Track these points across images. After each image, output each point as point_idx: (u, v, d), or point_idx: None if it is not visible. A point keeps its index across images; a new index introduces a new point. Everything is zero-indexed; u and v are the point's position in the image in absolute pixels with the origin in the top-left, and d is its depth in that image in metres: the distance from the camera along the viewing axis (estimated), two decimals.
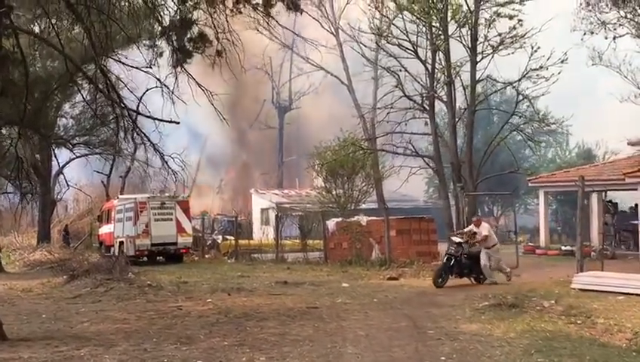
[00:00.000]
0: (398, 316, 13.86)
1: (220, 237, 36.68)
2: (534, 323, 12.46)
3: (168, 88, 15.06)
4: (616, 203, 31.09)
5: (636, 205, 28.49)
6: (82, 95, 17.56)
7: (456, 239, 18.77)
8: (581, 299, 15.32)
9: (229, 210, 51.97)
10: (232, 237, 34.54)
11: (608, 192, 27.79)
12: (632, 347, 10.45)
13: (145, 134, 15.33)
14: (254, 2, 12.86)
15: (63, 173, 39.07)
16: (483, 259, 18.59)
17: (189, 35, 13.49)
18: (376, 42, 30.46)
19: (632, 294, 15.70)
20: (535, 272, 22.32)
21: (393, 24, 26.93)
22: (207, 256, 33.18)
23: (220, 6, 12.83)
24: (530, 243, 32.05)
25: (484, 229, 18.93)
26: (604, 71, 26.00)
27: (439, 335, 11.58)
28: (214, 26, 12.91)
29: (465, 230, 19.31)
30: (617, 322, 12.42)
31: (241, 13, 13.03)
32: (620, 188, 27.33)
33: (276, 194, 49.42)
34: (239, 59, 13.59)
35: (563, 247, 29.87)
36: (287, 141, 64.68)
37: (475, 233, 18.75)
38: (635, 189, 26.59)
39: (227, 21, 12.75)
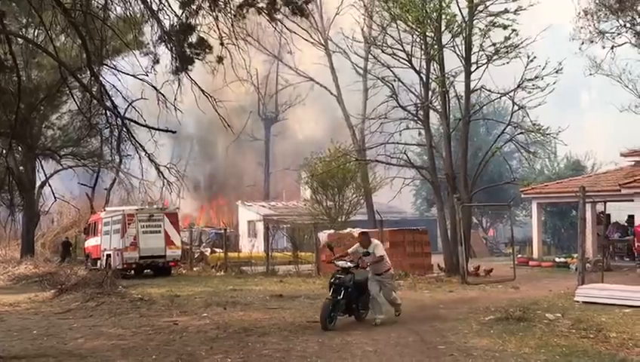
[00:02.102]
0: (403, 330, 13.45)
1: (209, 249, 36.20)
2: (546, 337, 12.10)
3: (164, 96, 14.62)
4: (609, 214, 30.94)
5: (631, 216, 28.31)
6: (76, 102, 16.98)
7: (344, 264, 14.40)
8: (587, 312, 15.03)
9: (215, 223, 51.57)
10: (221, 250, 34.07)
11: (598, 204, 27.58)
12: None
13: (140, 143, 14.84)
14: (259, 6, 12.53)
15: (49, 185, 38.35)
16: (373, 289, 14.46)
17: (189, 41, 13.10)
18: (368, 52, 30.21)
19: (639, 307, 15.43)
20: (533, 284, 22.12)
21: (388, 33, 26.64)
22: (195, 268, 32.63)
23: (223, 11, 12.42)
24: (520, 255, 31.79)
25: (378, 249, 14.70)
26: (587, 81, 25.96)
27: (451, 351, 11.18)
28: (218, 29, 12.52)
29: (350, 250, 14.95)
30: (631, 336, 12.12)
31: (244, 17, 12.71)
32: (616, 199, 27.16)
33: (263, 206, 49.03)
34: (245, 65, 13.22)
35: (557, 259, 29.69)
36: (273, 153, 64.34)
37: (367, 253, 14.48)
38: (632, 200, 26.47)
39: (232, 26, 12.38)
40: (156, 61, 14.30)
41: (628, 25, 19.80)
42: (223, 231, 36.46)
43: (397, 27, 26.26)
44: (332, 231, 29.12)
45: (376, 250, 14.58)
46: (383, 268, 14.75)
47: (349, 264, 14.32)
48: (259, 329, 13.93)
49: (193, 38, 13.29)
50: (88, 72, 13.99)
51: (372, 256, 14.54)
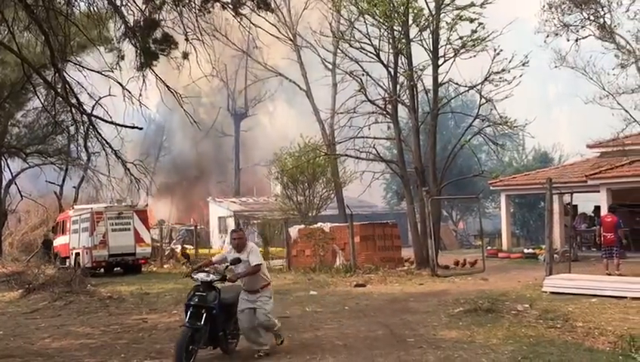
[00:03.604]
0: (373, 324, 13.48)
1: (179, 246, 36.03)
2: (514, 328, 12.21)
3: (130, 93, 14.49)
4: (576, 205, 31.30)
5: (597, 207, 28.66)
6: (40, 100, 16.80)
7: (205, 277, 10.51)
8: (555, 303, 15.19)
9: (185, 219, 51.35)
10: (191, 246, 33.93)
11: (565, 195, 27.90)
12: (617, 351, 10.24)
13: (106, 140, 14.71)
14: (224, 1, 12.46)
15: (16, 184, 37.87)
16: (263, 315, 10.86)
17: (154, 37, 12.98)
18: (337, 46, 30.26)
19: (605, 296, 15.64)
20: (502, 276, 22.30)
21: (355, 28, 26.66)
22: (165, 266, 32.45)
23: (187, 6, 12.33)
24: (489, 247, 32.04)
25: (254, 255, 10.83)
26: (554, 74, 26.24)
27: (420, 343, 11.23)
28: (183, 25, 12.43)
29: (215, 258, 11.48)
30: (597, 325, 12.27)
31: (209, 12, 12.63)
32: (583, 190, 27.48)
33: (234, 202, 48.90)
34: (211, 61, 13.14)
35: (525, 250, 30.00)
36: (243, 148, 64.18)
37: (237, 260, 10.65)
38: (598, 191, 26.81)
39: (197, 21, 12.30)
40: (121, 57, 14.17)
41: (592, 17, 20.01)
42: (193, 227, 36.27)
43: (365, 21, 26.28)
44: (303, 226, 29.11)
45: (251, 257, 10.71)
46: (260, 283, 10.83)
47: (212, 277, 10.51)
48: None
49: (158, 34, 13.19)
50: (52, 69, 13.80)
51: (245, 266, 10.67)
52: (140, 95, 13.71)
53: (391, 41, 26.13)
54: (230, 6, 12.45)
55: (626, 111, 19.47)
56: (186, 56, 13.35)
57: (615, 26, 19.82)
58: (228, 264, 10.74)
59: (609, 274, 19.96)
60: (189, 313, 10.23)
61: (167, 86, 13.56)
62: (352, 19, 27.20)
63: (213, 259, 11.42)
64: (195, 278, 10.59)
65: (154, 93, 15.31)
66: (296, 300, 17.64)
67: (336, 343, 11.63)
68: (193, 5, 12.46)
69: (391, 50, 26.29)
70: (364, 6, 25.80)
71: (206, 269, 10.84)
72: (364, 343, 11.56)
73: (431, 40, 25.78)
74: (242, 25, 13.35)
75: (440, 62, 25.81)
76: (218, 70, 40.83)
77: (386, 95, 26.70)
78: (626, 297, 15.33)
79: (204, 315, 10.16)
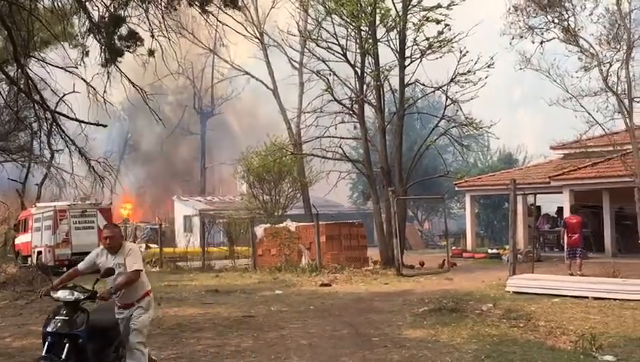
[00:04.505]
0: (338, 323, 13.49)
1: (143, 245, 35.71)
2: (478, 327, 12.29)
3: (95, 89, 14.34)
4: (539, 206, 31.66)
5: (560, 208, 29.03)
6: (2, 96, 16.53)
7: (68, 295, 7.89)
8: (518, 302, 15.33)
9: (150, 218, 50.93)
10: (156, 245, 33.65)
11: (529, 196, 28.22)
12: (578, 350, 10.36)
13: (69, 137, 14.54)
14: None
15: None
16: (133, 333, 8.37)
17: (119, 33, 12.85)
18: (304, 46, 30.27)
19: (567, 296, 15.83)
20: (467, 276, 22.46)
21: (323, 27, 26.69)
22: None
23: (154, 3, 12.22)
24: (454, 247, 32.27)
25: (133, 257, 8.33)
26: (519, 76, 26.55)
27: (384, 343, 11.27)
28: (149, 22, 12.32)
29: (81, 265, 8.58)
30: (559, 325, 12.41)
31: (176, 10, 12.54)
32: (546, 191, 27.80)
33: (199, 201, 48.65)
34: (177, 58, 13.05)
35: (490, 250, 30.28)
36: (209, 147, 63.89)
37: (110, 271, 8.10)
38: (561, 192, 27.15)
39: (163, 18, 12.20)
40: (86, 53, 14.00)
41: (556, 21, 20.19)
42: (158, 226, 35.99)
43: (332, 21, 26.35)
44: (268, 225, 29.05)
45: (128, 260, 8.24)
46: (138, 294, 8.45)
47: (77, 295, 7.88)
48: (193, 324, 13.79)
49: (123, 30, 13.06)
50: (15, 65, 13.61)
51: (122, 275, 8.18)
52: (105, 92, 13.57)
53: (358, 41, 26.21)
54: (197, 3, 12.37)
55: (589, 113, 19.73)
56: (151, 53, 13.23)
57: (579, 29, 20.05)
58: (102, 272, 8.12)
59: (571, 275, 20.21)
60: (46, 344, 7.79)
61: (133, 83, 13.45)
62: (320, 19, 27.27)
63: (79, 267, 8.54)
64: (56, 297, 7.91)
65: (119, 90, 15.19)
66: (261, 299, 17.58)
67: (301, 342, 11.61)
68: (159, 2, 12.37)
69: (358, 50, 26.38)
70: (331, 6, 25.86)
71: (70, 285, 8.10)
72: (329, 342, 11.56)
73: (398, 40, 25.95)
74: (209, 22, 13.32)
75: (406, 62, 25.96)
76: (184, 68, 40.60)
77: (353, 95, 26.78)
78: (587, 297, 15.52)
79: (67, 346, 7.67)
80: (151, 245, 35.27)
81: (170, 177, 62.75)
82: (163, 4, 12.27)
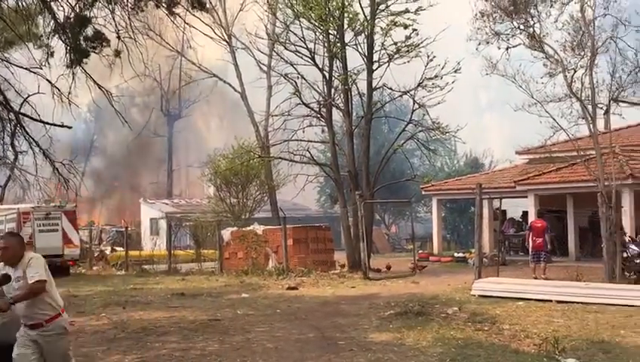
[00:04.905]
0: (304, 327, 13.49)
1: (109, 248, 35.41)
2: (443, 331, 12.36)
3: (60, 90, 14.17)
4: (505, 210, 31.96)
5: (525, 212, 29.31)
6: None
7: None
8: (483, 306, 15.46)
9: (116, 221, 50.48)
10: (122, 248, 33.38)
11: (495, 200, 28.46)
12: (542, 353, 10.46)
13: (34, 139, 14.36)
14: None
15: None
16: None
17: (84, 34, 12.71)
18: (272, 49, 30.26)
19: (531, 299, 16.01)
20: (433, 279, 22.56)
21: (291, 31, 26.71)
22: (95, 268, 31.82)
23: (120, 4, 12.12)
24: (420, 251, 32.41)
25: (35, 268, 6.92)
26: (485, 81, 26.81)
27: (350, 346, 11.28)
28: (115, 23, 12.21)
29: None
30: (523, 328, 12.53)
31: (143, 11, 12.44)
32: (511, 195, 28.06)
33: (166, 204, 48.36)
34: (143, 59, 12.94)
35: (456, 254, 30.45)
36: (176, 149, 63.53)
37: (6, 278, 6.91)
38: (526, 197, 27.43)
39: (130, 19, 12.10)
40: (50, 54, 13.83)
41: (522, 27, 20.38)
42: (124, 229, 35.68)
43: (300, 24, 26.36)
44: (235, 228, 28.96)
45: (29, 271, 6.89)
46: (45, 312, 7.08)
47: None
48: (159, 328, 13.68)
49: (89, 31, 12.93)
50: None
51: (23, 285, 6.87)
52: (70, 93, 13.41)
53: (326, 44, 26.24)
54: (164, 5, 12.29)
55: (554, 119, 19.93)
56: (117, 54, 13.11)
57: (544, 36, 20.27)
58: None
59: (536, 278, 20.44)
60: None
61: (98, 84, 13.32)
62: (288, 22, 27.25)
63: None
64: None
65: (85, 91, 15.04)
66: (227, 303, 17.51)
67: (267, 346, 11.58)
68: (126, 3, 12.27)
69: (326, 54, 26.41)
70: (299, 9, 25.88)
71: None
72: (295, 346, 11.55)
73: (366, 45, 26.05)
74: (176, 24, 13.24)
75: (374, 66, 26.07)
76: (152, 70, 40.29)
77: (321, 98, 26.81)
78: (551, 300, 15.72)
79: None
80: (117, 248, 34.99)
81: (137, 179, 62.27)
82: (129, 5, 12.17)
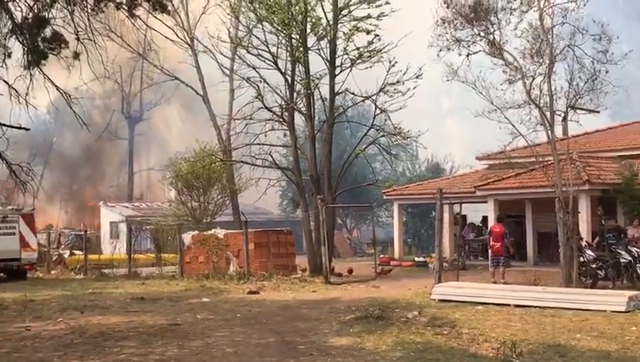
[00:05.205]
0: (264, 331, 13.46)
1: (67, 252, 34.94)
2: (403, 335, 12.43)
3: (17, 92, 13.95)
4: (465, 215, 32.23)
5: (485, 217, 29.61)
6: None
7: None
8: (443, 310, 15.57)
9: (75, 224, 49.90)
10: (81, 252, 32.97)
11: (455, 205, 28.72)
12: (499, 357, 10.59)
13: None
14: (117, 1, 12.17)
15: None
16: None
17: (43, 35, 12.53)
18: (235, 52, 30.18)
19: (490, 304, 16.17)
20: (393, 284, 22.70)
21: (254, 34, 26.67)
22: (53, 272, 31.38)
23: (80, 5, 11.97)
24: (382, 255, 32.53)
25: None
26: (447, 87, 27.06)
27: (310, 351, 11.28)
28: (74, 24, 12.05)
29: None
30: (482, 332, 12.66)
31: (102, 12, 12.31)
32: (472, 200, 28.33)
33: (127, 207, 47.89)
34: (103, 62, 12.79)
35: (416, 259, 30.63)
36: (137, 152, 62.97)
37: None
38: (486, 202, 27.72)
39: (89, 20, 11.95)
40: (8, 55, 13.62)
41: (482, 34, 20.58)
42: (83, 232, 35.24)
43: (263, 28, 26.35)
44: (196, 232, 28.80)
45: None
46: None
47: None
48: (117, 333, 13.53)
49: (47, 32, 12.74)
50: None
51: None
52: (27, 94, 13.21)
53: (289, 48, 26.28)
54: (124, 7, 12.18)
55: (513, 125, 20.17)
56: (76, 56, 12.94)
57: (504, 43, 20.51)
58: None
59: (495, 283, 20.67)
60: None
61: (56, 86, 13.13)
62: (251, 26, 27.22)
63: None
64: None
65: (44, 93, 14.82)
66: (187, 307, 17.38)
67: (227, 351, 11.53)
68: (85, 4, 12.13)
69: (289, 58, 26.44)
70: (262, 13, 25.88)
71: None
72: (255, 351, 11.52)
73: (328, 49, 26.13)
74: (136, 26, 13.11)
75: (337, 71, 26.19)
76: (113, 71, 39.87)
77: (283, 103, 26.81)
78: (509, 304, 15.89)
79: None
80: (75, 251, 34.55)
81: (97, 182, 61.58)
82: (89, 6, 12.03)
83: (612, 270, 19.62)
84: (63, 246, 37.35)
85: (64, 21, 12.79)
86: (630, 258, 19.43)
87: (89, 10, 12.24)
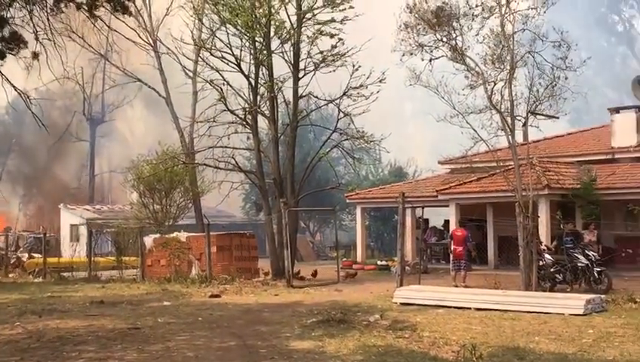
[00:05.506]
0: (226, 335, 13.40)
1: (26, 254, 34.43)
2: (364, 338, 12.46)
3: None
4: (427, 219, 32.43)
5: (447, 221, 29.83)
6: None
7: None
8: (404, 313, 15.67)
9: (34, 226, 49.17)
10: (39, 255, 32.51)
11: (417, 209, 28.86)
12: (459, 359, 10.66)
13: None
14: (78, 1, 12.02)
15: None
16: None
17: (1, 35, 12.33)
18: (198, 54, 30.04)
19: (451, 307, 16.31)
20: (356, 287, 22.75)
21: (217, 37, 26.58)
22: (11, 275, 30.90)
23: (39, 5, 11.80)
24: (344, 258, 32.57)
25: None
26: (410, 92, 27.24)
27: (272, 354, 11.26)
28: (33, 24, 11.87)
29: None
30: (442, 335, 12.74)
31: (62, 12, 12.15)
32: (434, 204, 28.53)
33: (87, 210, 47.36)
34: (63, 62, 12.61)
35: (379, 262, 30.75)
36: (99, 154, 62.30)
37: None
38: (447, 206, 27.94)
39: (49, 20, 11.79)
40: None
41: (444, 39, 20.74)
42: (42, 235, 34.73)
43: (226, 31, 26.26)
44: (158, 235, 28.56)
45: None
46: None
47: None
48: (76, 337, 13.36)
49: (6, 32, 12.54)
50: None
51: None
52: None
53: (252, 51, 26.20)
54: (85, 7, 12.03)
55: (474, 130, 20.33)
56: (35, 56, 12.76)
57: (466, 49, 20.68)
58: None
59: (456, 286, 20.83)
60: None
61: (14, 86, 12.93)
62: (214, 28, 27.11)
63: None
64: None
65: (2, 93, 14.60)
66: (148, 311, 17.23)
67: (188, 355, 11.46)
68: (45, 4, 11.96)
69: (252, 61, 26.37)
70: (226, 15, 25.78)
71: None
72: (216, 354, 11.47)
73: (292, 53, 26.14)
74: (97, 27, 12.97)
75: (300, 75, 26.18)
76: (74, 72, 39.39)
77: (246, 105, 26.72)
78: (470, 308, 16.05)
79: None
80: (34, 254, 34.05)
81: (57, 185, 60.74)
82: (48, 6, 11.86)
83: (570, 274, 19.91)
84: (21, 249, 36.80)
85: (23, 21, 12.61)
86: (587, 262, 19.73)
87: (48, 10, 12.09)
